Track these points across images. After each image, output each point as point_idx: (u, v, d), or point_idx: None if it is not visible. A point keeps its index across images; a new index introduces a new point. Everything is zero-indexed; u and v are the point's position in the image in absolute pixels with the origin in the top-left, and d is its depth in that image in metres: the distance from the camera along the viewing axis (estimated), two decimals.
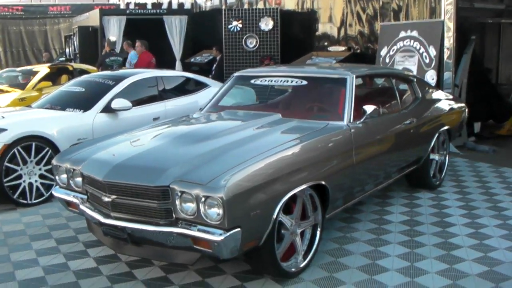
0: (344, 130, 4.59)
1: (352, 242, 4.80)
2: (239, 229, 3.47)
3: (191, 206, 3.56)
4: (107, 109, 6.79)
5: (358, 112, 4.80)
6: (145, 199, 3.73)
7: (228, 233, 3.44)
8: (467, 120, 7.78)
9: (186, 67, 13.87)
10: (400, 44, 8.89)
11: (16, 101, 9.53)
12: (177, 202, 3.60)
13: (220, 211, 3.42)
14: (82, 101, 6.95)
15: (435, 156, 6.36)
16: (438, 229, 5.05)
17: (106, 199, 3.90)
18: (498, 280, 3.99)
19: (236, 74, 5.83)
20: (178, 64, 14.29)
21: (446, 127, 6.36)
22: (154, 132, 4.68)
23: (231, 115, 5.18)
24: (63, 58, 17.20)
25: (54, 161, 4.58)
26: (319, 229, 4.33)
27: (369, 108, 4.71)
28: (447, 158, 6.63)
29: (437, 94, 6.67)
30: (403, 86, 6.17)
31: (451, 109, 6.63)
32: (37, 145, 6.15)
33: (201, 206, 3.49)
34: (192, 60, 14.20)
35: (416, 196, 6.13)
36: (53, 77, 10.95)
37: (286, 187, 3.82)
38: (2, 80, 11.23)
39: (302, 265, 4.14)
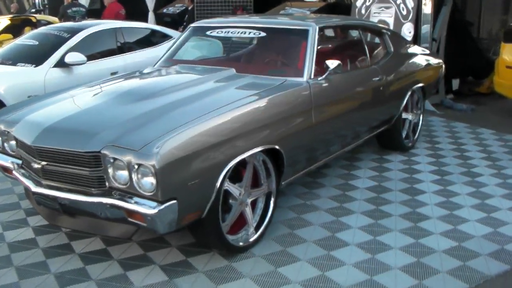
0: (303, 88, 4.16)
1: (312, 210, 4.44)
2: (175, 201, 3.09)
3: (123, 174, 3.17)
4: (61, 63, 6.34)
5: (321, 67, 4.37)
6: (76, 166, 3.34)
7: (163, 206, 3.05)
8: (445, 76, 7.41)
9: (158, 18, 13.27)
10: None
11: None
12: (110, 170, 3.20)
13: (154, 181, 3.04)
14: (35, 55, 6.50)
15: (408, 116, 5.99)
16: (406, 197, 4.70)
17: (36, 165, 3.52)
18: (466, 258, 3.65)
19: (192, 25, 5.36)
20: (150, 15, 13.65)
21: (420, 85, 5.95)
22: (97, 89, 4.24)
23: (181, 70, 4.73)
24: (34, 10, 16.45)
25: None
26: (273, 198, 3.97)
27: (332, 63, 4.27)
28: (421, 117, 6.24)
29: (411, 49, 6.25)
30: (374, 40, 5.75)
31: (427, 65, 6.21)
32: None
33: (134, 175, 3.10)
34: (165, 10, 13.58)
35: (387, 159, 5.77)
36: (15, 30, 10.35)
37: (232, 153, 3.42)
38: None
39: (252, 239, 3.79)
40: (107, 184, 3.27)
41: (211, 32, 5.06)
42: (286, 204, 4.55)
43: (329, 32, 6.31)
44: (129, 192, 3.19)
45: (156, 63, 5.15)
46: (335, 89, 4.48)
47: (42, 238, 4.02)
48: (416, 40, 7.98)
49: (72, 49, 6.46)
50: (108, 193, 3.28)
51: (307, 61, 4.35)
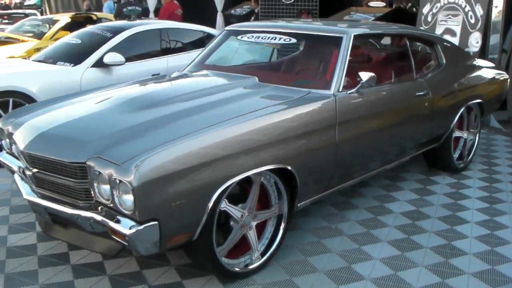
0: (328, 101, 3.74)
1: (334, 235, 4.02)
2: (155, 222, 2.79)
3: (107, 189, 2.89)
4: (99, 63, 6.19)
5: (354, 80, 3.96)
6: (63, 176, 3.11)
7: (141, 227, 2.77)
8: None
9: (226, 20, 13.07)
10: (444, 0, 7.78)
11: (32, 51, 9.05)
12: (95, 183, 2.94)
13: (132, 199, 2.74)
14: (75, 54, 6.39)
15: (462, 134, 5.43)
16: (444, 227, 4.18)
17: (28, 172, 3.34)
18: None
19: (227, 28, 5.05)
20: (219, 16, 13.45)
21: (476, 100, 5.37)
22: (108, 94, 3.99)
23: (203, 77, 4.41)
24: None
25: None
26: (283, 223, 3.58)
27: (365, 75, 3.84)
28: (477, 136, 5.65)
29: (470, 61, 5.67)
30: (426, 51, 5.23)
31: (487, 78, 5.61)
32: (15, 102, 5.62)
33: (115, 191, 2.82)
34: (232, 11, 13.36)
35: (433, 180, 5.23)
36: (76, 27, 10.40)
37: (229, 171, 3.06)
38: (27, 28, 10.80)
39: (254, 265, 3.42)
40: (94, 197, 3.01)
41: (241, 37, 4.73)
42: (308, 226, 4.15)
43: (386, 41, 5.85)
44: (111, 208, 2.92)
45: (186, 67, 4.88)
46: (366, 104, 4.02)
47: (43, 245, 3.84)
48: (484, 50, 7.33)
49: (113, 49, 6.31)
50: (95, 207, 3.02)
51: (336, 72, 3.93)
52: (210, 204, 2.99)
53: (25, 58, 6.95)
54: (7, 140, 3.89)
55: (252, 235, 3.40)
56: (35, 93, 5.67)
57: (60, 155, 3.08)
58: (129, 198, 2.76)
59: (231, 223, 3.30)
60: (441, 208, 4.56)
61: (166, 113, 3.40)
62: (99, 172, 2.87)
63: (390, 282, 3.37)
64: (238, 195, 3.33)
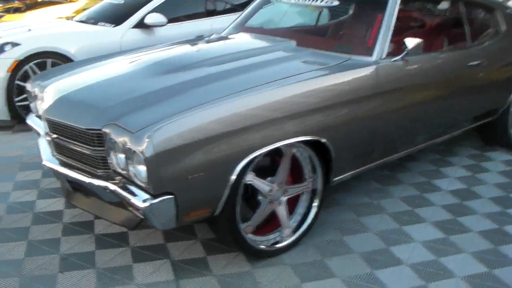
0: (368, 69, 3.39)
1: (375, 213, 3.73)
2: (171, 196, 2.58)
3: (123, 158, 2.70)
4: (141, 24, 6.01)
5: (400, 46, 3.60)
6: (80, 143, 2.95)
7: (155, 200, 2.56)
8: None
9: None
10: None
11: (80, 11, 8.95)
12: (111, 151, 2.75)
13: (146, 170, 2.54)
14: (117, 15, 6.25)
15: None
16: (496, 209, 3.83)
17: (48, 137, 3.20)
18: None
19: None
20: None
21: None
22: (137, 57, 3.78)
23: (240, 40, 4.12)
24: None
25: (27, 85, 3.89)
26: (317, 199, 3.32)
27: (410, 42, 3.48)
28: None
29: None
30: (483, 17, 4.77)
31: None
32: (53, 62, 5.52)
33: (130, 161, 2.63)
34: None
35: (488, 156, 4.84)
36: None
37: (255, 143, 2.81)
38: None
39: (283, 243, 3.20)
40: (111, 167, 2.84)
41: None
42: (348, 202, 3.88)
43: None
44: (128, 179, 2.74)
45: (225, 29, 4.62)
46: (411, 74, 3.65)
47: (69, 212, 3.73)
48: None
49: (156, 9, 6.12)
50: (112, 176, 2.84)
51: (380, 37, 3.57)
52: (233, 177, 2.76)
53: (69, 19, 6.83)
54: (34, 103, 3.77)
55: (282, 211, 3.16)
56: (73, 54, 5.57)
57: (77, 121, 2.91)
58: (143, 169, 2.56)
59: (259, 197, 3.08)
60: (494, 187, 4.19)
61: (193, 77, 3.17)
62: (115, 140, 2.69)
63: (430, 268, 3.07)
64: (268, 167, 3.09)
